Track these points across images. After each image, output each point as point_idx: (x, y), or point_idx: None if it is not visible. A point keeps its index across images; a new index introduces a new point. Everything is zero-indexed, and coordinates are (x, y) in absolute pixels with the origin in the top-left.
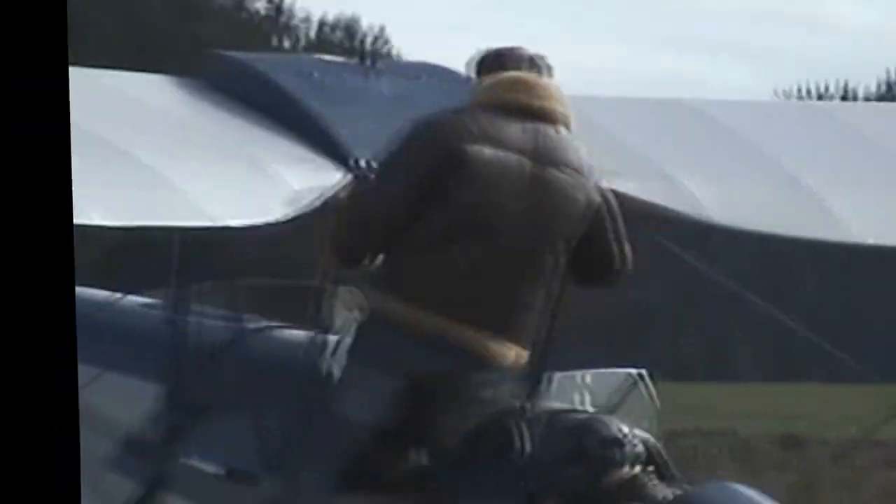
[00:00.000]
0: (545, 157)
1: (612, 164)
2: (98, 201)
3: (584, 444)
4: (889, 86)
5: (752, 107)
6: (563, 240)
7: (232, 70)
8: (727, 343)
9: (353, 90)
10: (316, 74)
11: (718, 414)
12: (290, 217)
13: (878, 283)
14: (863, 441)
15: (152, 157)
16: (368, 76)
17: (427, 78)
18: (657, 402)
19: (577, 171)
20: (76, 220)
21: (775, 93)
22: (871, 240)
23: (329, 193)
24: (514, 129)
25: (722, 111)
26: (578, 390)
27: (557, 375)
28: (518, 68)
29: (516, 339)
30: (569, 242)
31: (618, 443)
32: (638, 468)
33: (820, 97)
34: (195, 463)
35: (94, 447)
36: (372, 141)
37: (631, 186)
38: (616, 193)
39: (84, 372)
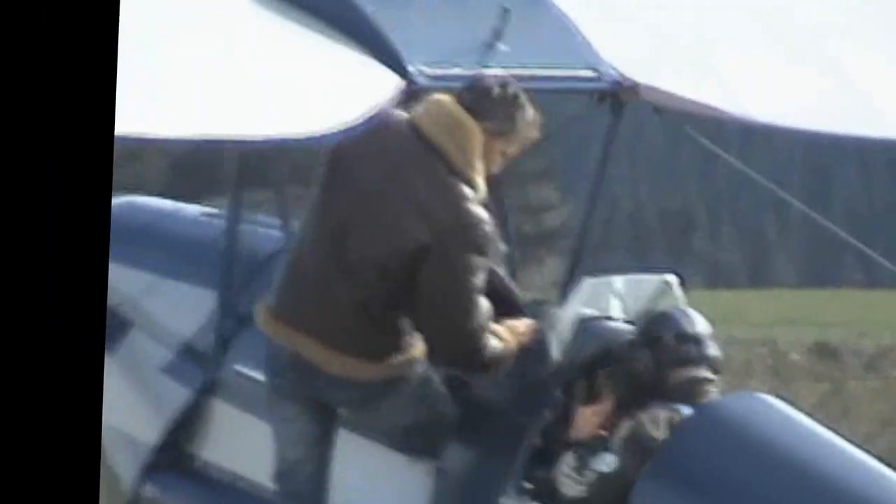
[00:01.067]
0: (411, 187)
1: (652, 59)
2: (161, 115)
3: (662, 334)
4: None
5: None
6: (398, 270)
7: None
8: (764, 247)
9: None
10: None
11: (754, 321)
12: (345, 127)
13: None
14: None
15: (214, 70)
16: None
17: None
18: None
19: (435, 209)
20: (148, 133)
21: None
22: None
23: (383, 101)
24: (399, 152)
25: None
26: (610, 295)
27: (590, 280)
28: (471, 94)
29: (360, 353)
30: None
31: (695, 340)
32: (707, 371)
33: None
34: (244, 370)
35: (152, 352)
36: (425, 46)
37: (671, 83)
38: (656, 90)
39: (145, 279)
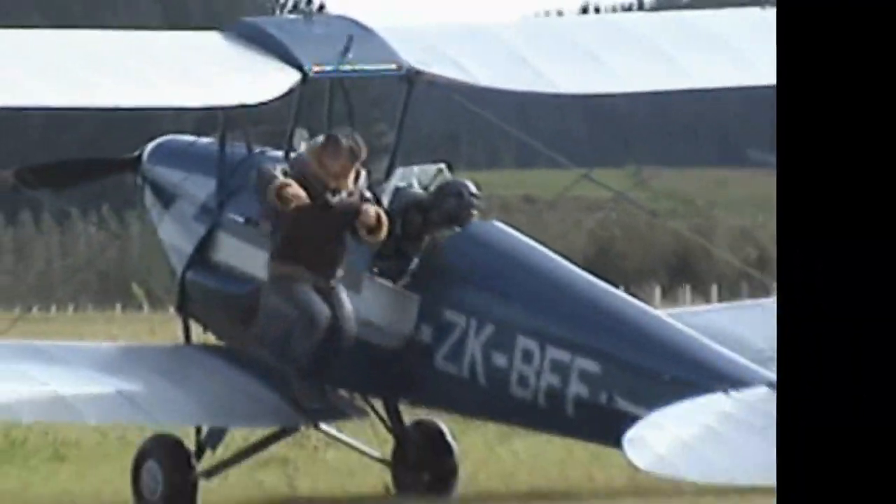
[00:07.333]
0: None
1: (437, 55)
2: (175, 93)
3: (460, 189)
4: None
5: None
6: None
7: (245, 25)
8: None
9: (302, 30)
10: (286, 24)
11: (499, 184)
12: (272, 97)
13: None
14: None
15: (198, 71)
16: (309, 23)
17: (339, 22)
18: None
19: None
20: (172, 104)
21: None
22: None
23: (291, 83)
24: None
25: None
26: (411, 176)
27: (401, 169)
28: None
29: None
30: None
31: (474, 195)
32: (475, 213)
33: None
34: (234, 216)
35: (188, 209)
36: (311, 53)
37: (446, 70)
38: (434, 75)
39: (183, 173)
